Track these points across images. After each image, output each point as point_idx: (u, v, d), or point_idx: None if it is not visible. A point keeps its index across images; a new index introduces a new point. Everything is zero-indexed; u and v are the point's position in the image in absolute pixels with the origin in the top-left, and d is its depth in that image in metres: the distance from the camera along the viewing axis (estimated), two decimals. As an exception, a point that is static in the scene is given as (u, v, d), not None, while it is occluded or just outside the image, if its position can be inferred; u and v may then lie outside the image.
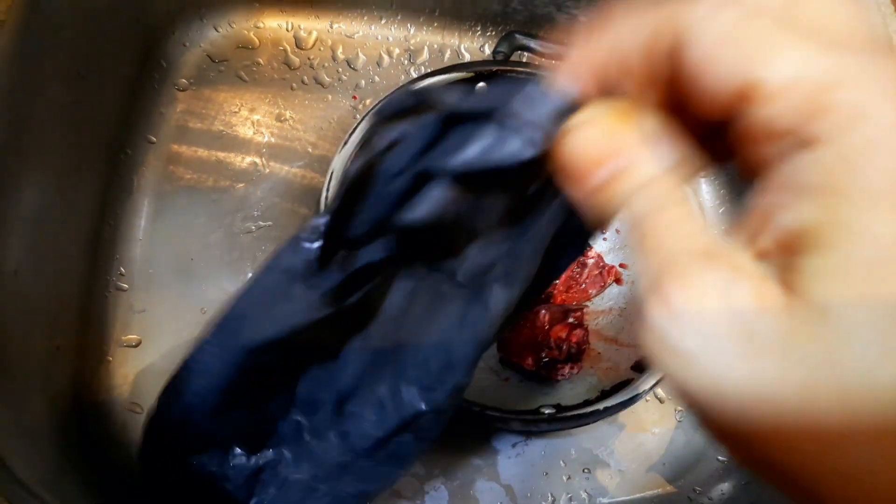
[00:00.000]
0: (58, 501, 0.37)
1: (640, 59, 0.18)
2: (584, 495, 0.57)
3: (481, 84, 0.62)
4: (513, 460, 0.57)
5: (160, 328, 0.53)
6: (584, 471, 0.57)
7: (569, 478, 0.57)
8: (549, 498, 0.56)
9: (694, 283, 0.15)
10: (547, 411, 0.53)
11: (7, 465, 0.34)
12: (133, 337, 0.52)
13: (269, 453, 0.42)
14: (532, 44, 0.63)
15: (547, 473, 0.57)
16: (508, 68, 0.62)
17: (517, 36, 0.63)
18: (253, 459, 0.43)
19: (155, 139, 0.58)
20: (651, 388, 0.53)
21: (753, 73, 0.15)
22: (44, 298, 0.43)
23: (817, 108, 0.14)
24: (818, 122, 0.14)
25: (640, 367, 0.55)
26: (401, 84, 0.67)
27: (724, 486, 0.57)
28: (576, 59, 0.20)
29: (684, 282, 0.15)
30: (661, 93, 0.18)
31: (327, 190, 0.55)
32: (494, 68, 0.62)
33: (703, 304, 0.14)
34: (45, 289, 0.43)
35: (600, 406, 0.52)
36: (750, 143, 0.16)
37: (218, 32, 0.63)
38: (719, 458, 0.59)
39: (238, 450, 0.42)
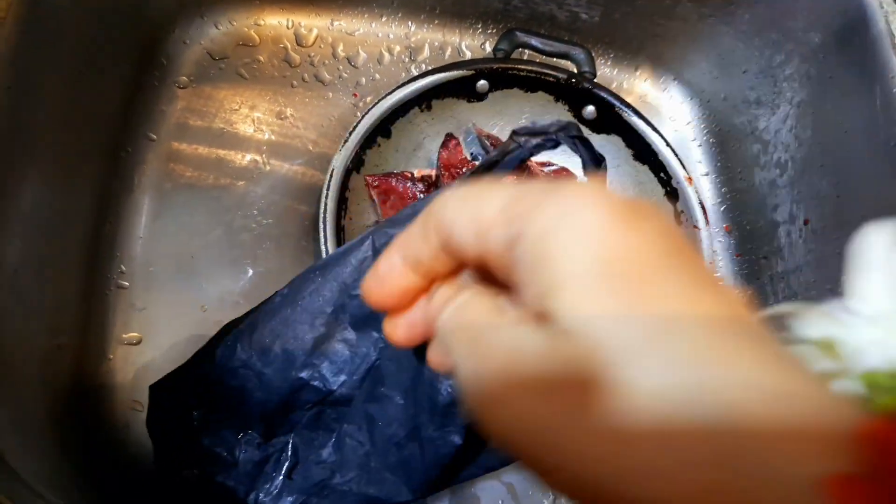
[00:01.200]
0: (59, 499, 0.36)
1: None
2: None
3: (482, 82, 0.62)
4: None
5: (161, 326, 0.53)
6: None
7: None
8: (550, 497, 0.56)
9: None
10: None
11: (8, 462, 0.34)
12: (134, 335, 0.52)
13: (280, 441, 0.43)
14: (533, 41, 0.63)
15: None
16: (509, 66, 0.61)
17: (518, 33, 0.63)
18: (262, 448, 0.43)
19: (155, 137, 0.58)
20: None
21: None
22: (44, 297, 0.43)
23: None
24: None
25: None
26: (401, 81, 0.67)
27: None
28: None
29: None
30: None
31: (327, 188, 0.55)
32: (495, 66, 0.61)
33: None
34: (45, 287, 0.43)
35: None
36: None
37: (218, 30, 0.63)
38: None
39: (253, 433, 0.43)
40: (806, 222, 0.58)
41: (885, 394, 0.18)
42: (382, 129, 0.60)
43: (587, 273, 0.17)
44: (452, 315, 0.21)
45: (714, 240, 0.59)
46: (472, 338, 0.20)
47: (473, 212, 0.20)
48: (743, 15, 0.62)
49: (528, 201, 0.19)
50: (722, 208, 0.68)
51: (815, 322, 0.20)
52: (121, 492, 0.48)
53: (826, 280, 0.55)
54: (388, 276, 0.23)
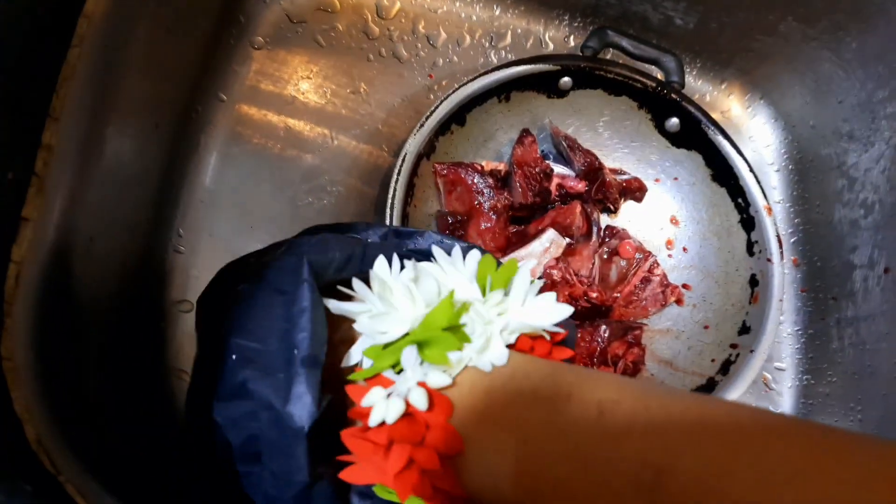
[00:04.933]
0: (87, 477, 0.36)
1: None
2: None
3: (565, 79, 0.59)
4: None
5: (214, 295, 0.52)
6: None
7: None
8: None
9: None
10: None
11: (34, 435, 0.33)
12: (187, 302, 0.51)
13: None
14: (624, 42, 0.60)
15: None
16: (597, 66, 0.59)
17: (609, 32, 0.60)
18: None
19: (225, 98, 0.56)
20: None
21: None
22: (113, 259, 0.41)
23: None
24: None
25: (698, 397, 0.53)
26: (479, 67, 0.65)
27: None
28: None
29: None
30: None
31: (398, 173, 0.53)
32: (583, 64, 0.59)
33: None
34: (115, 251, 0.42)
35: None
36: None
37: (299, -9, 0.60)
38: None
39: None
40: (886, 271, 0.55)
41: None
42: (458, 116, 0.58)
43: None
44: None
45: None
46: None
47: None
48: (851, 43, 0.58)
49: None
50: (792, 240, 0.65)
51: None
52: (164, 456, 0.47)
53: (900, 334, 0.53)
54: None
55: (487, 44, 0.65)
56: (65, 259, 0.33)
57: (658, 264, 0.60)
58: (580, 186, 0.60)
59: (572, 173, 0.62)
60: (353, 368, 0.29)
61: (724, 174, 0.59)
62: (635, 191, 0.62)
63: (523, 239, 0.59)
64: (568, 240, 0.58)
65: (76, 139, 0.33)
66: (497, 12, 0.65)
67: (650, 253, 0.61)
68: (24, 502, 0.24)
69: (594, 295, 0.57)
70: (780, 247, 0.56)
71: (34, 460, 0.27)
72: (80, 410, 0.35)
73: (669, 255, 0.62)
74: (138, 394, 0.46)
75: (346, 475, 0.26)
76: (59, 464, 0.28)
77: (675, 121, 0.60)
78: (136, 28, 0.41)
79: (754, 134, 0.68)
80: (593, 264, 0.60)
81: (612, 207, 0.62)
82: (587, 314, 0.58)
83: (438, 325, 0.27)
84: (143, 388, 0.47)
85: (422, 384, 0.27)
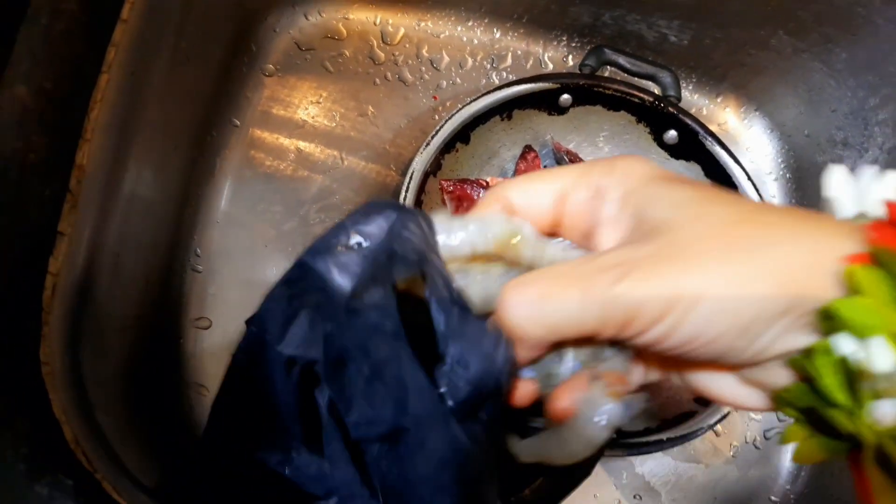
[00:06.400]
0: (119, 474, 0.37)
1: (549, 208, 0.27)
2: (632, 521, 0.56)
3: (565, 96, 0.61)
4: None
5: (231, 313, 0.53)
6: (634, 497, 0.57)
7: (619, 502, 0.57)
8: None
9: None
10: (608, 435, 0.53)
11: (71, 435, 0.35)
12: (204, 319, 0.53)
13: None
14: (621, 60, 0.62)
15: (596, 496, 0.57)
16: (595, 82, 0.61)
17: (606, 51, 0.62)
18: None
19: (239, 123, 0.59)
20: (716, 422, 0.53)
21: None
22: (136, 274, 0.43)
23: None
24: None
25: (704, 401, 0.54)
26: (481, 87, 0.67)
27: (776, 528, 0.57)
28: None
29: None
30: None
31: (406, 190, 0.55)
32: (581, 81, 0.61)
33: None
34: (138, 267, 0.44)
35: (664, 436, 0.52)
36: None
37: (308, 20, 0.63)
38: (772, 497, 0.59)
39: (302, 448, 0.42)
40: (886, 272, 0.56)
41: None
42: (463, 135, 0.60)
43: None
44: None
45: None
46: None
47: (548, 185, 0.27)
48: (840, 54, 0.61)
49: (598, 170, 0.26)
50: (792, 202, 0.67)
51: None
52: (181, 471, 0.49)
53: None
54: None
55: (489, 65, 0.67)
56: (94, 273, 0.35)
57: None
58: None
59: (575, 187, 0.64)
60: None
61: (722, 184, 0.61)
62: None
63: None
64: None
65: (105, 159, 0.35)
66: (497, 35, 0.67)
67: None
68: (66, 495, 0.25)
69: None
70: (781, 252, 0.57)
71: (73, 458, 0.29)
72: (110, 416, 0.37)
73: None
74: (160, 405, 0.48)
75: None
76: (94, 462, 0.29)
77: (673, 133, 0.62)
78: (157, 57, 0.43)
79: (751, 145, 0.70)
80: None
81: (615, 219, 0.64)
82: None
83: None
84: (165, 400, 0.48)
85: None
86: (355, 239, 0.27)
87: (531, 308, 0.23)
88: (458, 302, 0.26)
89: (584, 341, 0.26)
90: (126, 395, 0.43)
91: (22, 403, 0.28)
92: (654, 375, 0.28)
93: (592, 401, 0.26)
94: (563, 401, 0.26)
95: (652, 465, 0.58)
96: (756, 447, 0.60)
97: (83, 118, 0.32)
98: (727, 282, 0.21)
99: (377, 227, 0.27)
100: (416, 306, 0.27)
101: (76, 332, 0.33)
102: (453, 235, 0.27)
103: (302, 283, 0.31)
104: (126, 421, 0.43)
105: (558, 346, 0.26)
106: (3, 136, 0.28)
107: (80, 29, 0.33)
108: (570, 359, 0.27)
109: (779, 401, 0.23)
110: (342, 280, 0.26)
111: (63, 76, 0.32)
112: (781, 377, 0.23)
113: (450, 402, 0.26)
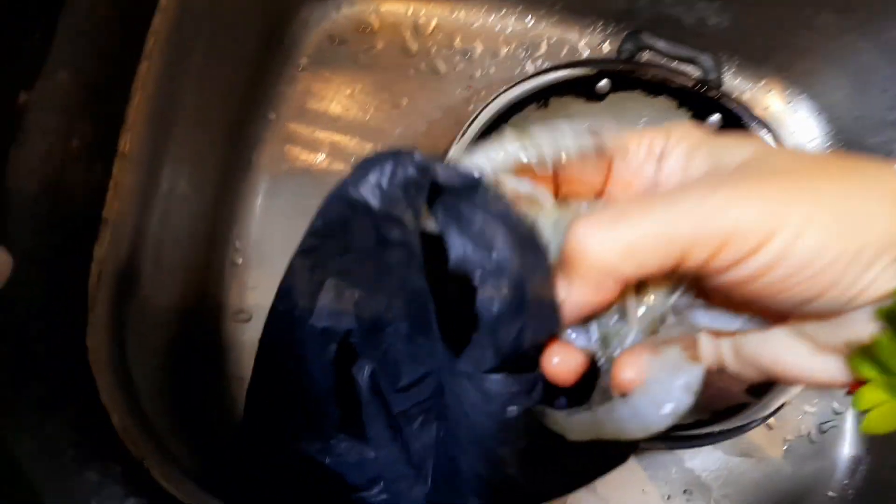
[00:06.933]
0: (166, 462, 0.36)
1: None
2: (681, 517, 0.55)
3: (603, 82, 0.60)
4: (611, 473, 0.55)
5: (269, 305, 0.53)
6: (684, 492, 0.55)
7: (668, 497, 0.55)
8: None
9: None
10: (656, 428, 0.51)
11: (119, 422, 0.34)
12: (244, 312, 0.52)
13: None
14: (659, 44, 0.60)
15: (644, 490, 0.55)
16: (634, 67, 0.59)
17: (644, 35, 0.60)
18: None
19: (274, 117, 0.59)
20: (770, 414, 0.51)
21: None
22: (176, 268, 0.43)
23: None
24: None
25: (757, 392, 0.53)
26: (516, 76, 0.66)
27: (833, 524, 0.55)
28: None
29: None
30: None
31: (443, 181, 0.54)
32: (620, 67, 0.59)
33: None
34: (177, 259, 0.44)
35: (715, 429, 0.50)
36: None
37: (340, 13, 0.63)
38: (830, 493, 0.56)
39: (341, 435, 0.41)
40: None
41: None
42: (498, 124, 0.59)
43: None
44: None
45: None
46: None
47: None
48: (890, 31, 0.58)
49: (652, 133, 0.24)
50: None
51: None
52: (218, 465, 0.48)
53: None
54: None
55: (523, 54, 0.66)
56: (138, 262, 0.35)
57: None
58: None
59: (614, 175, 0.62)
60: None
61: (768, 168, 0.59)
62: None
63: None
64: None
65: (146, 148, 0.35)
66: (531, 23, 0.66)
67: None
68: (115, 482, 0.25)
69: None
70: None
71: (121, 446, 0.29)
72: (152, 406, 0.36)
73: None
74: (202, 397, 0.48)
75: None
76: (142, 450, 0.29)
77: (716, 118, 0.60)
78: (193, 49, 0.43)
79: (797, 128, 0.67)
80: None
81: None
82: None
83: None
84: (207, 392, 0.48)
85: None
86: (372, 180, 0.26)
87: (607, 232, 0.20)
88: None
89: (659, 284, 0.23)
90: (169, 386, 0.43)
91: (70, 391, 0.28)
92: (725, 348, 0.26)
93: (670, 365, 0.24)
94: (631, 367, 0.23)
95: (702, 460, 0.56)
96: (811, 441, 0.58)
97: (125, 106, 0.32)
98: (841, 202, 0.19)
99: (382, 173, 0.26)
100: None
101: (121, 321, 0.32)
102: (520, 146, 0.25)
103: (319, 250, 0.30)
104: (169, 412, 0.43)
105: (625, 296, 0.24)
106: (47, 121, 0.28)
107: (119, 16, 0.33)
108: (635, 318, 0.25)
109: (859, 359, 0.21)
110: (373, 202, 0.25)
111: (104, 64, 0.32)
112: (865, 331, 0.20)
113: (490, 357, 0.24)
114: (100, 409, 0.29)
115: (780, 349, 0.23)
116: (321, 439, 0.39)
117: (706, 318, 0.26)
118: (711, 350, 0.26)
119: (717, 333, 0.26)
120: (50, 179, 0.28)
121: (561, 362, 0.24)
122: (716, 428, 0.50)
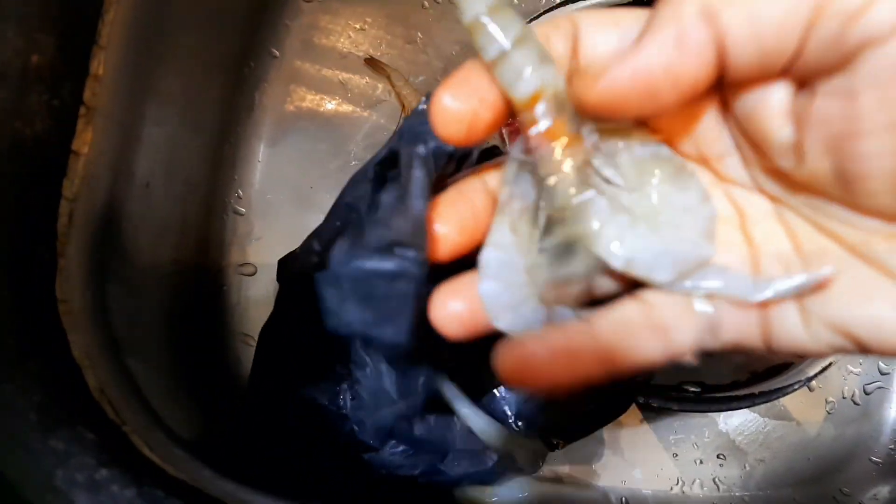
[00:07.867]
0: (151, 426, 0.33)
1: None
2: (715, 483, 0.51)
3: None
4: (640, 436, 0.52)
5: (276, 259, 0.49)
6: (718, 457, 0.52)
7: (700, 462, 0.51)
8: (678, 481, 0.51)
9: None
10: (692, 389, 0.48)
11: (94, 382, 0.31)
12: (249, 265, 0.49)
13: None
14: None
15: (676, 455, 0.52)
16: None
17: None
18: None
19: (278, 53, 0.54)
20: (815, 375, 0.47)
21: None
22: (172, 212, 0.39)
23: None
24: None
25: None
26: (540, 9, 0.60)
27: (881, 491, 0.51)
28: None
29: None
30: None
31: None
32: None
33: None
34: (172, 204, 0.40)
35: (755, 390, 0.46)
36: None
37: (349, -61, 0.57)
38: (873, 458, 0.53)
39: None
40: None
41: None
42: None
43: None
44: None
45: None
46: None
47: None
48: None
49: None
50: None
51: None
52: (226, 423, 0.46)
53: None
54: None
55: (549, -16, 0.60)
56: (120, 204, 0.31)
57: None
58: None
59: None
60: None
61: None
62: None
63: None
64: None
65: (126, 74, 0.31)
66: (558, -50, 0.60)
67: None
68: (87, 451, 0.21)
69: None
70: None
71: (96, 409, 0.25)
72: (142, 364, 0.33)
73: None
74: (203, 355, 0.45)
75: None
76: (122, 413, 0.26)
77: None
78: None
79: None
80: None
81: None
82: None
83: None
84: (208, 350, 0.45)
85: None
86: None
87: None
88: None
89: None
90: (164, 344, 0.39)
91: (36, 343, 0.25)
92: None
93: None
94: None
95: (737, 422, 0.53)
96: (855, 402, 0.54)
97: (96, 20, 0.28)
98: None
99: None
100: None
101: (101, 270, 0.29)
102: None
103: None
104: (164, 371, 0.40)
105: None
106: (1, 31, 0.24)
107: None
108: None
109: None
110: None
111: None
112: None
113: None
114: (72, 367, 0.25)
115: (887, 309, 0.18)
116: (336, 383, 0.36)
117: (717, 281, 0.21)
118: (734, 327, 0.21)
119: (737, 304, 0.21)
120: (5, 101, 0.24)
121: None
122: (755, 389, 0.46)
